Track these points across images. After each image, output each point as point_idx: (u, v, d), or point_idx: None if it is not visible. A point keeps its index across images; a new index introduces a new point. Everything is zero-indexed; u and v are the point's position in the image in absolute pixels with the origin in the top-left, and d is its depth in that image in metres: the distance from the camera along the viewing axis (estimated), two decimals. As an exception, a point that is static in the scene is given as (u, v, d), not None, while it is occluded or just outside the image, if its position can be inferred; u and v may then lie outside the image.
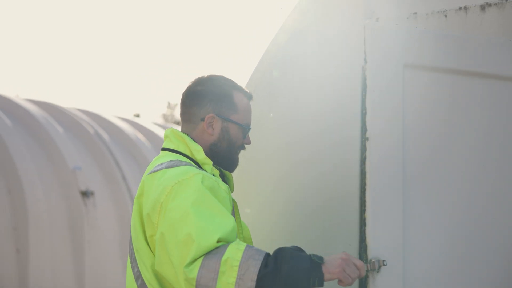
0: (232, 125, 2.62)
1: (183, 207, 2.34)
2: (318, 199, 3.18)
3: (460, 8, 2.98)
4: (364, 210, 2.44)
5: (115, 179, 7.83)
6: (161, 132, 9.19)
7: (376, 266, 2.44)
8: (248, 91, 2.70)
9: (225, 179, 2.68)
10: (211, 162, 2.57)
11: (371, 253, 2.43)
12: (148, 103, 48.61)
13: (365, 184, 2.45)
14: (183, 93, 2.68)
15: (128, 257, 2.57)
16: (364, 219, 2.44)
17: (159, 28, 55.39)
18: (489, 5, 2.91)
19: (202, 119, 2.60)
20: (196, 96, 2.62)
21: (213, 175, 2.52)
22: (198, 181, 2.39)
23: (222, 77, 2.67)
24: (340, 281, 2.38)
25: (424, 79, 2.62)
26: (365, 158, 2.47)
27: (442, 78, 2.64)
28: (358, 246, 2.85)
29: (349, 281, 2.36)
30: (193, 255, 2.28)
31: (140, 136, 8.52)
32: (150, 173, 2.51)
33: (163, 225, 2.36)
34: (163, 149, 2.64)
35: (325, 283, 2.35)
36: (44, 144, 7.31)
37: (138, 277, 2.47)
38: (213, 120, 2.60)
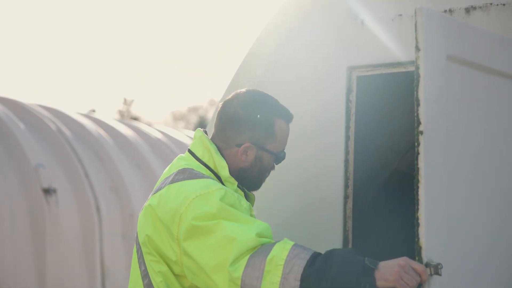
0: (267, 154, 2.55)
1: (210, 218, 2.29)
2: (303, 200, 3.19)
3: (445, 11, 3.00)
4: (418, 209, 2.27)
5: (78, 176, 7.72)
6: (122, 129, 9.06)
7: (440, 270, 2.24)
8: (290, 113, 2.60)
9: (247, 198, 2.61)
10: (236, 183, 2.50)
11: (427, 256, 2.25)
12: (103, 98, 48.11)
13: (418, 181, 2.28)
14: (223, 108, 2.56)
15: (135, 252, 2.51)
16: (417, 218, 2.26)
17: (112, 22, 54.77)
18: (474, 8, 2.94)
19: (238, 146, 2.52)
20: (236, 121, 2.51)
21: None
22: (218, 197, 2.32)
23: (265, 101, 2.55)
24: None
25: (463, 73, 2.51)
26: (418, 153, 2.32)
27: (478, 75, 2.57)
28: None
29: None
30: (236, 253, 2.23)
31: (102, 132, 8.40)
32: (171, 183, 2.44)
33: (189, 238, 2.30)
34: (189, 150, 2.57)
35: None
36: (6, 141, 7.18)
37: (145, 276, 2.43)
38: (249, 149, 2.52)
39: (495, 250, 2.64)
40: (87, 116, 8.88)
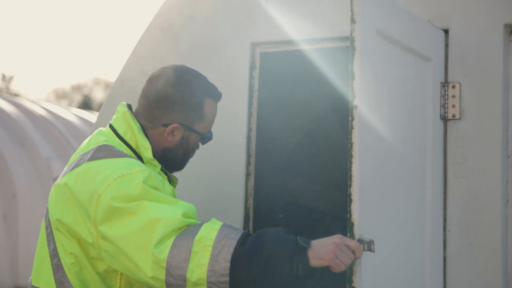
0: (194, 134, 2.44)
1: (132, 199, 2.15)
2: (204, 177, 3.13)
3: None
4: (351, 185, 2.18)
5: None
6: (3, 104, 8.66)
7: (372, 246, 2.18)
8: (219, 91, 2.50)
9: (170, 181, 2.50)
10: (159, 166, 2.38)
11: (359, 232, 2.18)
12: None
13: (351, 156, 2.21)
14: (149, 84, 2.42)
15: (43, 229, 2.34)
16: (350, 194, 2.18)
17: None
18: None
19: (165, 125, 2.39)
20: (165, 101, 2.38)
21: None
22: (141, 179, 2.19)
23: (195, 79, 2.43)
24: (331, 267, 2.11)
25: (388, 49, 2.49)
26: (352, 128, 2.25)
27: (399, 52, 2.55)
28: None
29: (341, 268, 2.11)
30: (161, 234, 2.09)
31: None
32: (90, 160, 2.28)
33: (107, 220, 2.15)
34: (110, 125, 2.41)
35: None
36: None
37: (54, 255, 2.27)
38: (176, 129, 2.40)
39: (425, 225, 2.67)
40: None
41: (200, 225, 2.14)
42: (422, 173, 2.67)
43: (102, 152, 2.29)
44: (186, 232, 2.12)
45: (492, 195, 2.69)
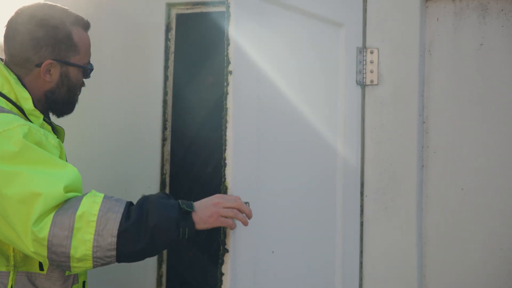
0: (73, 68, 2.31)
1: (12, 158, 2.03)
2: (119, 143, 3.04)
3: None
4: (225, 150, 2.23)
5: None
6: None
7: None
8: (86, 20, 2.37)
9: (56, 132, 2.37)
10: (42, 116, 2.24)
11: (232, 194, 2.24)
12: None
13: (226, 121, 2.24)
14: (9, 29, 2.28)
15: None
16: (224, 159, 2.23)
17: None
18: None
19: (38, 66, 2.26)
20: (30, 39, 2.24)
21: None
22: (21, 134, 2.06)
23: (56, 11, 2.30)
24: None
25: (276, 14, 2.49)
26: (227, 93, 2.26)
27: (290, 16, 2.53)
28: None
29: (230, 224, 2.14)
30: (40, 210, 1.99)
31: None
32: None
33: None
34: None
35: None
36: None
37: None
38: (51, 66, 2.27)
39: (336, 191, 2.69)
40: None
41: (80, 199, 2.06)
42: (332, 139, 2.67)
43: None
44: (66, 207, 2.03)
45: (408, 160, 2.72)
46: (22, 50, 2.26)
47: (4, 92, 2.23)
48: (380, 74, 2.75)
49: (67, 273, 2.20)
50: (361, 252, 2.74)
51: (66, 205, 2.04)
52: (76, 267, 2.06)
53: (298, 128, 2.57)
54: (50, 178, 2.04)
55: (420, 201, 2.72)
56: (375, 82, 2.75)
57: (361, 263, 2.74)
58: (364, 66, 2.75)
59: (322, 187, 2.66)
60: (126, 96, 3.01)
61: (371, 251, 2.73)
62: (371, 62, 2.75)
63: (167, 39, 3.06)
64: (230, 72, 2.27)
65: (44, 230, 2.00)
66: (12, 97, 2.23)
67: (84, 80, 2.40)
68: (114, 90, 3.02)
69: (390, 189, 2.73)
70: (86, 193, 2.10)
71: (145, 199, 2.10)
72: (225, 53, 2.28)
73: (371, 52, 2.75)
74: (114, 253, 2.04)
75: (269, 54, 2.42)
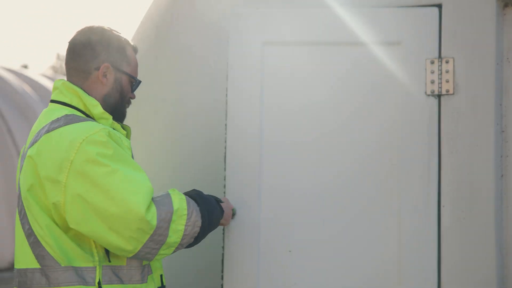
0: (125, 76, 2.53)
1: (105, 163, 2.27)
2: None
3: None
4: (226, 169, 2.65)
5: (0, 132, 7.58)
6: (50, 84, 8.93)
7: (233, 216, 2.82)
8: (136, 47, 2.63)
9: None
10: (111, 117, 2.47)
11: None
12: (36, 54, 46.95)
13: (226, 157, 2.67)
14: (72, 42, 2.53)
15: (17, 213, 2.43)
16: (225, 177, 2.67)
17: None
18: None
19: (96, 69, 2.48)
20: (90, 45, 2.49)
21: (113, 129, 2.44)
22: (106, 136, 2.31)
23: (113, 30, 2.57)
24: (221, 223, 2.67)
25: (283, 53, 2.84)
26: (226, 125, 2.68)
27: (300, 50, 2.84)
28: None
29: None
30: (147, 202, 2.29)
31: (27, 88, 8.24)
32: (48, 131, 2.35)
33: (80, 186, 2.26)
34: (53, 101, 2.49)
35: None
36: None
37: (30, 234, 2.35)
38: (108, 70, 2.50)
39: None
40: (11, 70, 8.69)
41: (168, 196, 2.40)
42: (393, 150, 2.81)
43: (57, 122, 2.37)
44: (161, 203, 2.36)
45: (486, 169, 2.68)
46: (83, 56, 2.50)
47: (74, 104, 2.46)
48: (456, 83, 2.73)
49: (144, 262, 2.46)
50: (439, 262, 2.72)
51: (159, 201, 2.37)
52: (161, 254, 2.39)
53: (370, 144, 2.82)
54: (139, 176, 2.33)
55: (499, 211, 2.67)
56: (451, 91, 2.73)
57: (439, 272, 2.71)
58: (440, 76, 2.74)
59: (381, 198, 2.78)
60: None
61: (448, 261, 2.71)
62: (447, 71, 2.74)
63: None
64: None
65: (154, 220, 2.30)
66: (81, 107, 2.46)
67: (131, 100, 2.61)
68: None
69: (468, 199, 2.69)
70: (167, 191, 2.44)
71: (200, 197, 2.51)
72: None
73: (447, 62, 2.74)
74: (193, 240, 2.45)
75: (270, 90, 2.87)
